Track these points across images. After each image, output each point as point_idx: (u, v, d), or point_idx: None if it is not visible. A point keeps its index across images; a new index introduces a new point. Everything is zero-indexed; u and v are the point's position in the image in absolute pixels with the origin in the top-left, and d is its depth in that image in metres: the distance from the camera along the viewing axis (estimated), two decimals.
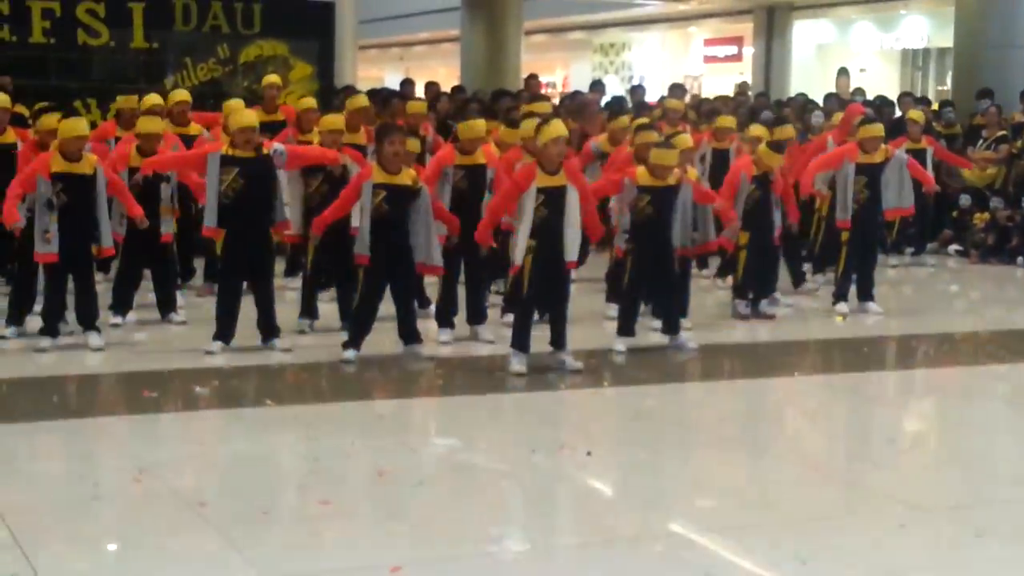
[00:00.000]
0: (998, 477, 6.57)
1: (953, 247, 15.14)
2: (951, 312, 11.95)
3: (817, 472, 6.63)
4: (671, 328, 9.25)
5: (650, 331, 9.47)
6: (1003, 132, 15.58)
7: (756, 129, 11.39)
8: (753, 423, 7.84)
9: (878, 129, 10.87)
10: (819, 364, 9.71)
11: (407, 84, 16.63)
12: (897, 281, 12.86)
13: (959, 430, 7.67)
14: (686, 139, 9.65)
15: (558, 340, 8.55)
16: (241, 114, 8.85)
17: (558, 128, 8.26)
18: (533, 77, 18.28)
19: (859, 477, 6.53)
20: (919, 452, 7.33)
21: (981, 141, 15.64)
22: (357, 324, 8.71)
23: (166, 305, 9.93)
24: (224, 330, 8.80)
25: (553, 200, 8.28)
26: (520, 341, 8.44)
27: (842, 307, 10.85)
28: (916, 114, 14.24)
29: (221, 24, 14.49)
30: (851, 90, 18.08)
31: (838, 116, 13.47)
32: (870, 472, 6.68)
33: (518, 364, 8.40)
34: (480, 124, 9.47)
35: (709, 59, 31.48)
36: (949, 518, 5.82)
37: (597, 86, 17.58)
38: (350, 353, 8.63)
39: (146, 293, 10.34)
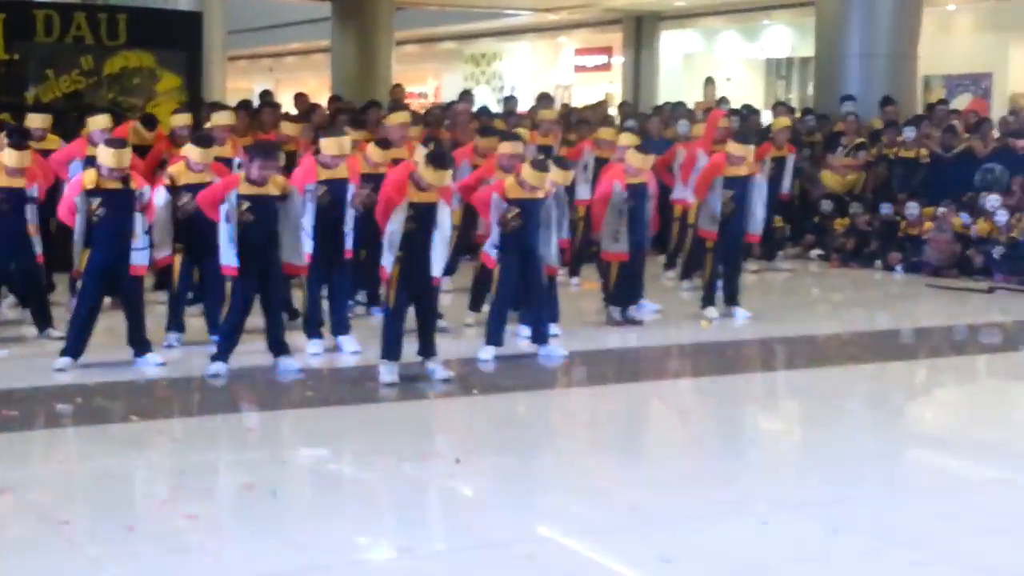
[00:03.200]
0: (855, 475, 6.74)
1: (815, 251, 15.50)
2: (814, 315, 12.23)
3: (683, 473, 6.75)
4: (540, 338, 9.31)
5: (519, 339, 9.54)
6: (862, 140, 16.00)
7: (625, 138, 11.49)
8: (622, 427, 7.96)
9: (746, 151, 10.99)
10: (687, 368, 9.87)
11: (266, 95, 16.52)
12: (760, 286, 13.12)
13: (821, 430, 7.87)
14: (567, 175, 9.75)
15: (427, 349, 8.56)
16: (113, 155, 8.59)
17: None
18: (398, 87, 18.32)
19: (724, 477, 6.66)
20: (782, 452, 7.52)
21: (840, 148, 16.04)
22: (225, 337, 8.61)
23: (43, 320, 9.74)
24: (75, 346, 8.67)
25: (423, 216, 8.32)
26: (389, 351, 8.44)
27: (710, 312, 11.03)
28: (783, 122, 14.63)
29: (85, 35, 14.21)
30: (717, 98, 18.43)
31: (698, 128, 13.69)
32: (735, 472, 6.82)
33: (388, 374, 8.40)
34: (345, 141, 9.43)
35: (579, 68, 31.76)
36: (809, 515, 5.97)
37: (466, 96, 17.67)
38: (218, 366, 8.55)
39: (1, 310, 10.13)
